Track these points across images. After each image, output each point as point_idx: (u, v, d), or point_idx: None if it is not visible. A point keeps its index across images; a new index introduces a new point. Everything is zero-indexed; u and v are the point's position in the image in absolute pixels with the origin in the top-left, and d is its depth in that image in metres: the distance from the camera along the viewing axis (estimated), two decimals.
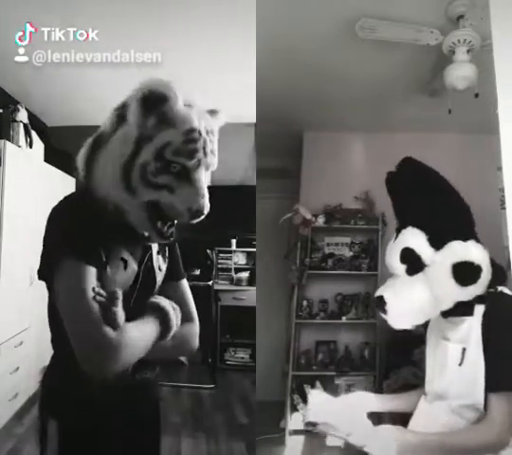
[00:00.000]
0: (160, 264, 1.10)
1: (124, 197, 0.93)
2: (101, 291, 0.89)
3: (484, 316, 1.06)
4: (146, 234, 1.00)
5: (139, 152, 0.91)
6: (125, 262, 0.99)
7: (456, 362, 1.08)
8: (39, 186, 3.15)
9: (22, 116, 2.99)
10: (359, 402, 1.20)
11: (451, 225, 1.10)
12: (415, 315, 1.10)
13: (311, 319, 2.96)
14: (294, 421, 2.76)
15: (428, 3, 1.89)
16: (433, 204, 1.11)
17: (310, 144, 3.20)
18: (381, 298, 1.11)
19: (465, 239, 1.08)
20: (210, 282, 3.96)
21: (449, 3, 1.87)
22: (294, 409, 2.80)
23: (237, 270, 4.26)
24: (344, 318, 2.95)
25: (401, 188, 1.17)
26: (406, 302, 1.09)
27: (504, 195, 1.32)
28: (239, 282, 4.20)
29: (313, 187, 3.13)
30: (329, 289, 3.04)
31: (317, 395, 1.20)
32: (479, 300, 1.08)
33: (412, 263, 1.10)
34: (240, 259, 4.33)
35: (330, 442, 2.71)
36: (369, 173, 3.03)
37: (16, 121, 2.93)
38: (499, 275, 1.11)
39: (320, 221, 2.99)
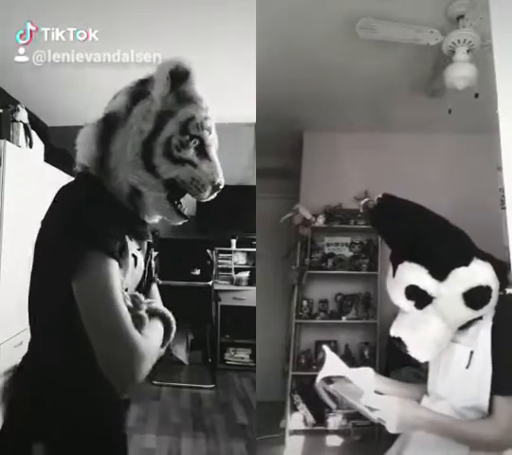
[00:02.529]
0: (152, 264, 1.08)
1: (143, 176, 0.91)
2: (125, 293, 0.84)
3: (494, 319, 1.06)
4: (161, 218, 0.98)
5: (163, 126, 0.90)
6: (135, 258, 0.96)
7: (463, 365, 1.07)
8: (39, 186, 3.15)
9: (22, 116, 2.98)
10: (369, 376, 1.20)
11: (448, 253, 1.07)
12: (436, 346, 1.09)
13: (311, 319, 2.96)
14: (294, 421, 2.76)
15: (428, 3, 1.89)
16: (425, 236, 1.08)
17: (310, 144, 3.20)
18: (400, 339, 1.11)
19: (466, 264, 1.06)
20: (210, 282, 3.96)
21: (449, 3, 1.87)
22: (294, 408, 2.81)
23: (237, 270, 4.26)
24: (344, 317, 2.95)
25: (386, 224, 1.15)
26: (424, 338, 1.08)
27: (504, 195, 1.31)
28: (239, 282, 4.20)
29: (313, 187, 3.13)
30: (329, 289, 3.04)
31: (333, 354, 1.19)
32: None
33: (419, 298, 1.08)
34: (240, 259, 4.33)
35: (330, 441, 2.71)
36: (369, 173, 3.03)
37: (16, 121, 2.93)
38: (504, 276, 1.10)
39: (320, 221, 2.99)
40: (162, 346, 0.95)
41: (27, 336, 0.93)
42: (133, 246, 0.95)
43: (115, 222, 0.86)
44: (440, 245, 1.08)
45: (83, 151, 0.95)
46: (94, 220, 0.84)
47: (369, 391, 1.09)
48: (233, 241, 4.25)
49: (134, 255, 0.94)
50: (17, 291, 2.84)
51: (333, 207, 3.04)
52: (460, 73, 1.93)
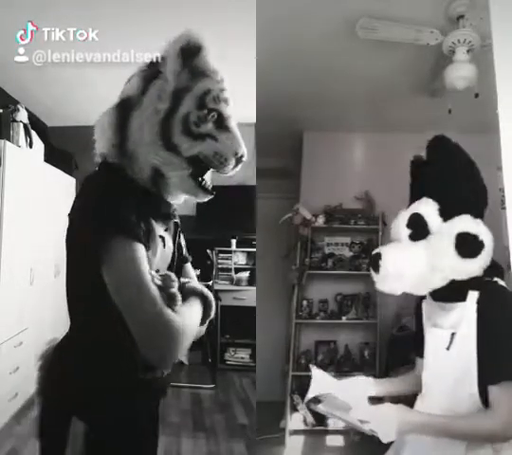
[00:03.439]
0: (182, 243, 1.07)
1: (165, 156, 0.91)
2: (153, 273, 0.85)
3: (479, 302, 1.04)
4: (188, 196, 0.98)
5: (179, 103, 0.90)
6: (163, 239, 0.96)
7: (444, 346, 1.06)
8: (39, 186, 3.15)
9: (22, 116, 2.98)
10: (359, 385, 1.19)
11: (466, 199, 1.09)
12: (406, 280, 1.07)
13: (311, 319, 2.96)
14: (294, 421, 2.76)
15: (428, 3, 1.89)
16: (454, 176, 1.10)
17: (310, 144, 3.20)
18: (378, 255, 1.09)
19: (475, 216, 1.08)
20: (210, 282, 3.96)
21: (449, 3, 1.87)
22: (294, 409, 2.81)
23: (237, 270, 4.26)
24: (344, 318, 2.95)
25: (427, 162, 1.16)
26: (401, 265, 1.07)
27: (504, 195, 1.32)
28: (239, 282, 4.20)
29: (313, 187, 3.13)
30: (329, 289, 3.04)
31: (319, 372, 1.17)
32: (473, 285, 1.05)
33: (418, 228, 1.09)
34: (240, 259, 4.33)
35: (330, 441, 2.71)
36: (369, 173, 3.03)
37: (16, 121, 2.93)
38: (497, 269, 1.10)
39: (320, 221, 2.99)
40: (202, 324, 0.95)
41: (26, 337, 0.93)
42: (159, 228, 0.95)
43: (139, 206, 0.87)
44: (464, 190, 1.10)
45: (101, 140, 0.95)
46: (118, 206, 0.84)
47: (358, 403, 1.07)
48: (233, 241, 4.25)
49: (161, 236, 0.94)
50: (17, 291, 2.85)
51: (333, 207, 3.04)
52: (460, 73, 1.93)
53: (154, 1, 2.29)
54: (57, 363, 0.97)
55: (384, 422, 1.01)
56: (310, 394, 1.13)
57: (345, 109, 2.74)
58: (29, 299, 2.99)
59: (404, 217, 1.13)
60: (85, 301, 0.92)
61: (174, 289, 0.86)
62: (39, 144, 3.30)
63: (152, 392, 0.99)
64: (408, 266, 1.06)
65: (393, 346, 2.67)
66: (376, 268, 1.08)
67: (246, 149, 0.95)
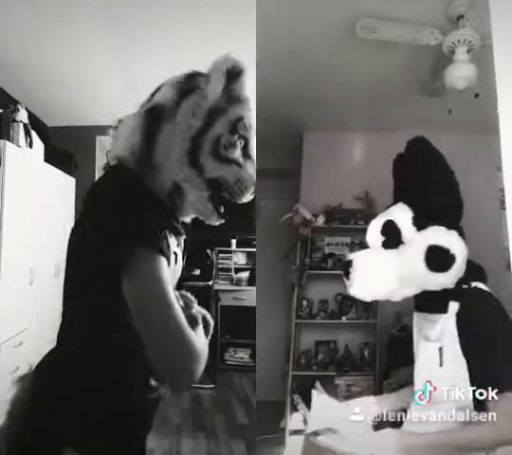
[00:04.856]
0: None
1: (188, 174, 0.89)
2: (176, 292, 0.82)
3: (458, 314, 1.03)
4: (202, 217, 0.97)
5: (213, 124, 0.89)
6: (176, 255, 0.93)
7: (436, 362, 1.06)
8: (39, 186, 3.15)
9: (22, 116, 2.98)
10: (362, 407, 1.18)
11: (441, 209, 1.08)
12: (377, 287, 1.08)
13: (311, 319, 2.96)
14: (294, 421, 2.76)
15: (428, 3, 1.89)
16: (430, 185, 1.09)
17: (310, 144, 3.20)
18: (350, 262, 1.09)
19: (448, 227, 1.06)
20: (210, 282, 3.97)
21: (449, 3, 1.87)
22: (294, 409, 2.80)
23: (237, 270, 4.27)
24: (344, 318, 2.95)
25: (406, 165, 1.16)
26: (372, 272, 1.07)
27: (504, 195, 1.31)
28: (239, 282, 4.21)
29: (313, 187, 3.12)
30: (329, 289, 3.04)
31: (320, 400, 1.18)
32: (451, 295, 1.04)
33: (391, 236, 1.08)
34: (240, 259, 4.34)
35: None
36: (369, 173, 3.02)
37: (16, 121, 2.93)
38: (476, 272, 1.09)
39: (320, 221, 2.99)
40: None
41: (27, 336, 0.91)
42: (173, 243, 0.92)
43: (157, 217, 0.83)
44: (439, 199, 1.09)
45: (124, 142, 0.91)
46: (143, 216, 0.80)
47: (356, 436, 1.07)
48: (233, 241, 4.26)
49: (175, 252, 0.92)
50: (17, 291, 2.85)
51: (333, 207, 3.04)
52: (460, 73, 1.92)
53: (154, 2, 2.29)
54: (45, 386, 0.87)
55: (386, 449, 1.01)
56: (311, 428, 1.13)
57: (345, 109, 2.73)
58: (29, 299, 2.99)
59: (379, 223, 1.12)
60: (90, 314, 0.85)
61: (195, 310, 0.85)
62: (39, 144, 3.29)
63: (145, 412, 0.95)
64: (377, 275, 1.07)
65: (393, 346, 2.66)
66: (347, 275, 1.10)
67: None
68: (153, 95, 0.96)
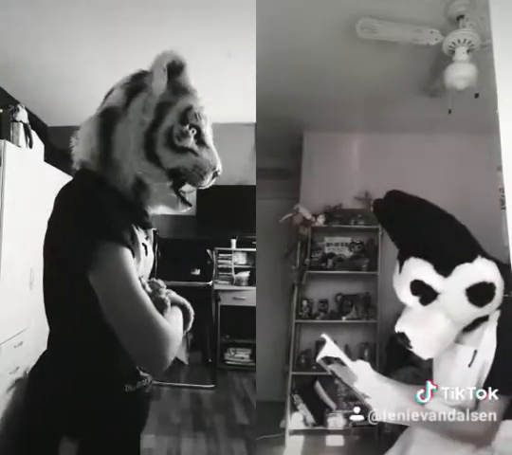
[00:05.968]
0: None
1: (147, 167, 0.93)
2: (143, 279, 0.86)
3: (499, 320, 1.06)
4: (166, 206, 1.00)
5: (163, 117, 0.93)
6: (146, 247, 0.98)
7: (466, 363, 1.08)
8: (39, 186, 3.15)
9: (22, 116, 2.98)
10: (364, 366, 1.21)
11: (453, 249, 1.09)
12: (440, 343, 1.10)
13: (311, 319, 2.96)
14: (294, 421, 2.76)
15: (428, 3, 1.89)
16: (430, 232, 1.11)
17: (310, 144, 3.20)
18: (404, 334, 1.12)
19: (470, 260, 1.08)
20: (210, 282, 3.96)
21: (449, 3, 1.87)
22: (294, 409, 2.81)
23: (237, 270, 4.26)
24: (344, 318, 2.95)
25: (393, 220, 1.17)
26: (428, 334, 1.10)
27: (504, 195, 1.31)
28: (239, 282, 4.20)
29: (313, 187, 3.13)
30: (329, 289, 3.04)
31: (332, 342, 1.20)
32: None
33: (424, 293, 1.10)
34: (240, 259, 4.33)
35: (330, 441, 2.71)
36: (369, 173, 3.03)
37: (16, 121, 2.93)
38: (509, 278, 1.10)
39: (320, 221, 2.99)
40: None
41: (27, 337, 0.92)
42: (141, 236, 0.96)
43: (122, 213, 0.88)
44: (445, 241, 1.10)
45: (83, 147, 0.97)
46: (104, 212, 0.85)
47: (363, 379, 1.11)
48: (233, 241, 4.25)
49: (144, 244, 0.96)
50: (17, 291, 2.84)
51: (333, 207, 3.05)
52: (460, 73, 1.92)
53: (154, 2, 2.29)
54: (40, 384, 0.95)
55: (382, 402, 1.04)
56: (324, 352, 1.16)
57: (345, 109, 2.73)
58: (29, 299, 2.99)
59: (405, 284, 1.12)
60: (70, 311, 0.90)
61: (163, 295, 0.88)
62: (39, 144, 3.29)
63: (138, 402, 0.99)
64: (434, 334, 1.09)
65: (394, 346, 2.66)
66: (409, 346, 1.12)
67: (221, 165, 0.98)
68: (105, 98, 1.00)
